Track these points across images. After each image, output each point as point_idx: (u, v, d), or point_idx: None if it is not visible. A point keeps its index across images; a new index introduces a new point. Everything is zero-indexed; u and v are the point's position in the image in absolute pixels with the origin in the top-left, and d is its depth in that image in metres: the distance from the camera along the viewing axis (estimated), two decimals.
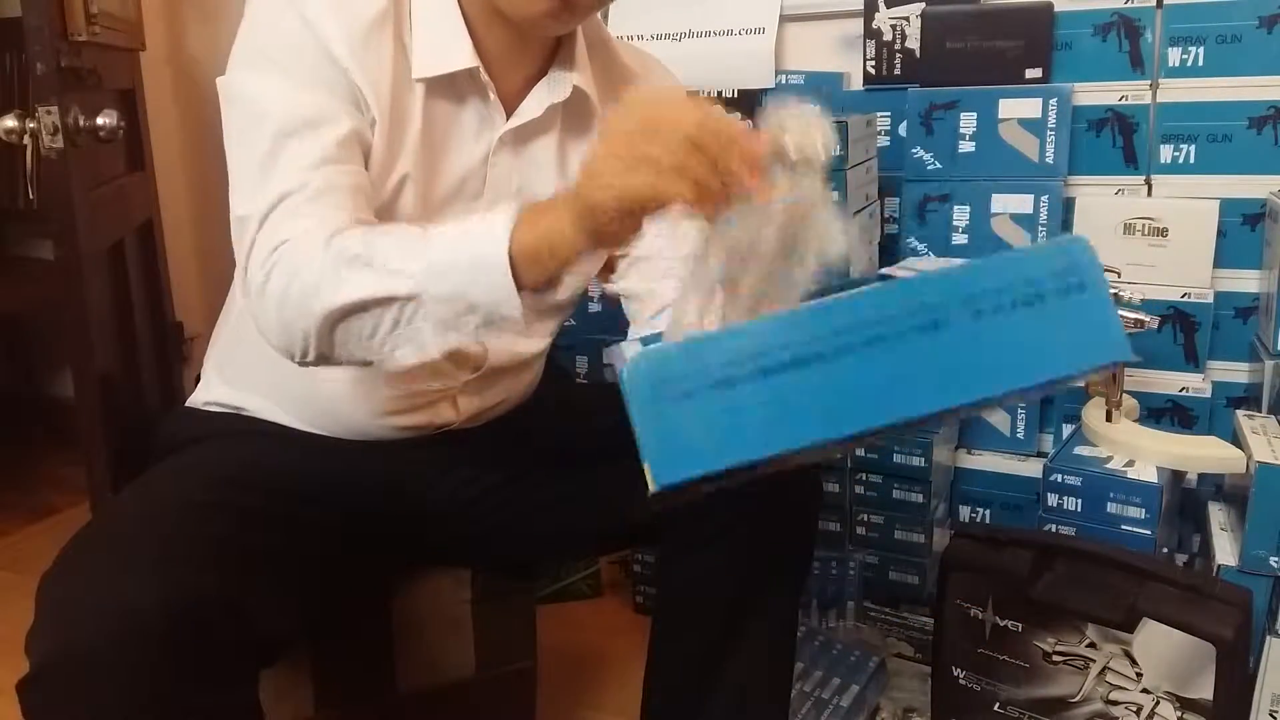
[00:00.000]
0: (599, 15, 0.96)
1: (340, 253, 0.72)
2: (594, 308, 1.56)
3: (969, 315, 0.41)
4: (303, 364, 0.76)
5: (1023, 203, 1.41)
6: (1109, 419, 1.29)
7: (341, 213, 0.76)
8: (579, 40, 0.94)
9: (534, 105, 0.91)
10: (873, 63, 1.57)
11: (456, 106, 0.88)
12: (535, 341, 1.02)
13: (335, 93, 0.80)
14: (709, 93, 1.65)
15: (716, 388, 0.41)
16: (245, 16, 0.83)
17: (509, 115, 0.90)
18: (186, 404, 1.01)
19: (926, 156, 1.47)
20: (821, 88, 1.60)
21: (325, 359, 0.75)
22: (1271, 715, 1.15)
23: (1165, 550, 1.26)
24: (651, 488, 0.42)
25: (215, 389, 0.98)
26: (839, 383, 0.41)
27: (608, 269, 1.03)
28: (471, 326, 0.71)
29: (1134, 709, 1.08)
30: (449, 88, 0.87)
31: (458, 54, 0.85)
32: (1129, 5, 1.36)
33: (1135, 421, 1.33)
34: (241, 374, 0.97)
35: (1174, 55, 1.36)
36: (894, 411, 0.41)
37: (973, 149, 1.43)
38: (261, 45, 0.81)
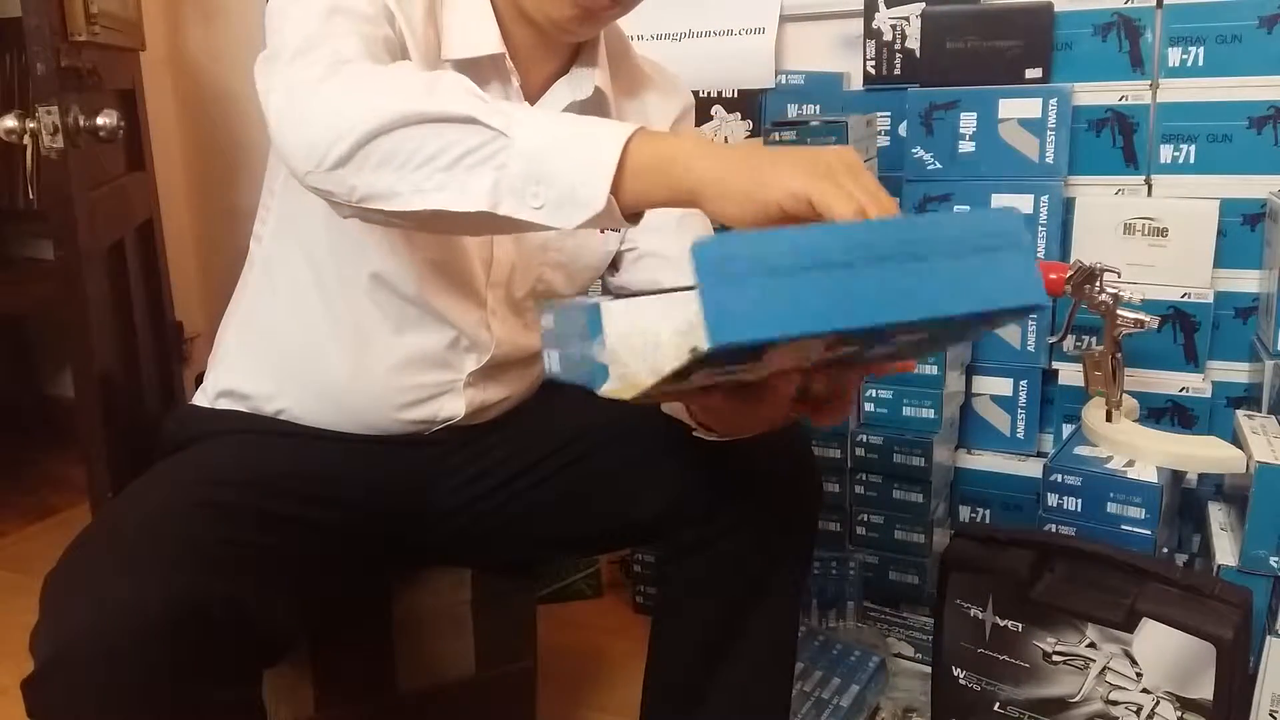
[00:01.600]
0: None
1: (431, 74, 0.69)
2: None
3: (945, 253, 0.55)
4: (305, 173, 0.69)
5: (1023, 203, 1.41)
6: (1109, 419, 1.29)
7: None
8: (601, 42, 0.95)
9: (556, 101, 0.92)
10: (873, 63, 1.57)
11: None
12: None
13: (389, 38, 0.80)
14: (709, 93, 1.65)
15: (766, 274, 0.51)
16: None
17: None
18: (192, 401, 1.01)
19: (926, 156, 1.47)
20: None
21: (339, 171, 0.68)
22: (1271, 715, 1.15)
23: (1165, 550, 1.26)
24: (702, 346, 0.51)
25: (223, 376, 0.98)
26: (849, 287, 0.52)
27: (612, 265, 1.03)
28: (535, 201, 0.65)
29: (1134, 709, 1.08)
30: (472, 74, 0.88)
31: (487, 40, 0.87)
32: (1129, 5, 1.36)
33: (1135, 421, 1.33)
34: (251, 360, 0.97)
35: (1174, 55, 1.36)
36: (882, 316, 0.53)
37: (973, 149, 1.43)
38: None
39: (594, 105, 0.94)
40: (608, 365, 0.57)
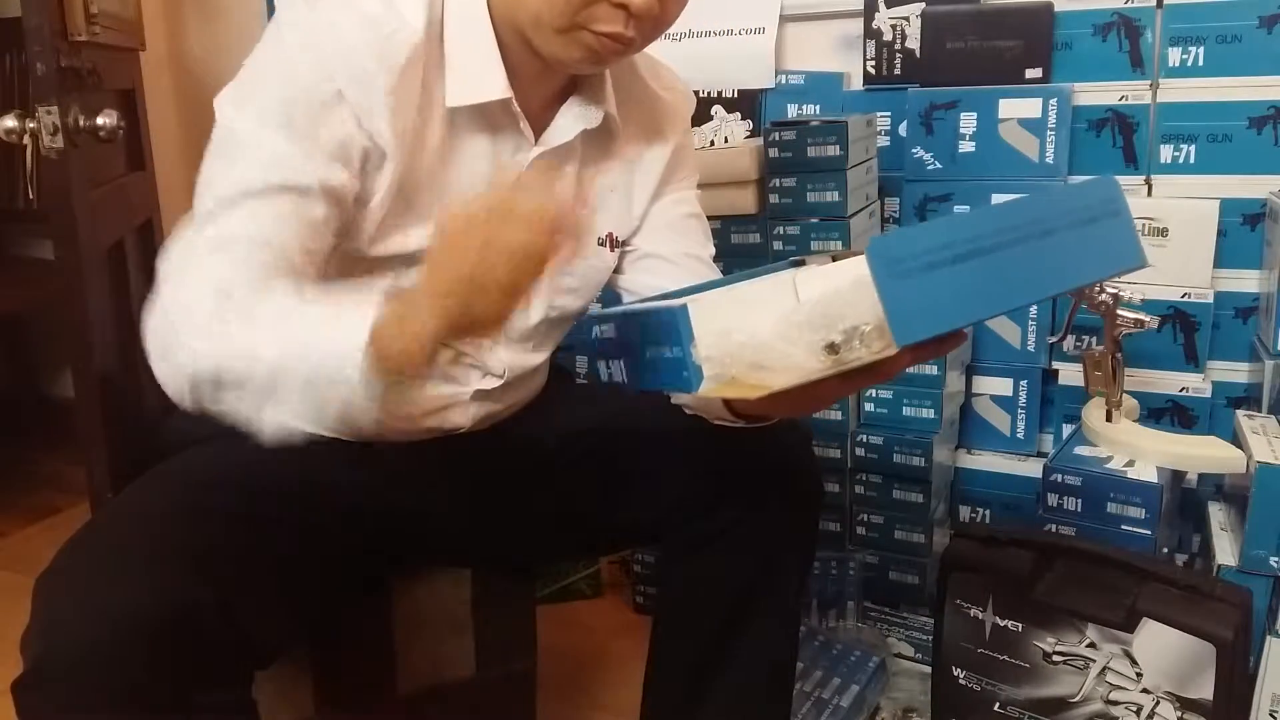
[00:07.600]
0: None
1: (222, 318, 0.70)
2: (595, 308, 1.56)
3: (1064, 226, 0.59)
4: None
5: None
6: (1109, 419, 1.29)
7: (265, 270, 0.73)
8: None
9: (567, 129, 0.90)
10: (873, 63, 1.57)
11: (481, 135, 0.87)
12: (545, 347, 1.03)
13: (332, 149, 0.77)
14: (709, 93, 1.65)
15: (926, 269, 0.54)
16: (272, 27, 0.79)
17: (536, 136, 0.89)
18: None
19: (926, 156, 1.47)
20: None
21: (201, 407, 0.73)
22: (1271, 715, 1.15)
23: (1165, 550, 1.26)
24: (894, 349, 0.55)
25: None
26: (997, 271, 0.56)
27: (616, 269, 1.03)
28: (332, 419, 0.69)
29: (1134, 709, 1.08)
30: (479, 119, 0.86)
31: (492, 85, 0.84)
32: (1129, 5, 1.36)
33: (1135, 421, 1.33)
34: None
35: (1174, 55, 1.36)
36: (1028, 294, 0.59)
37: (973, 149, 1.43)
38: (276, 87, 0.77)
39: (604, 132, 0.94)
40: (702, 365, 0.56)
